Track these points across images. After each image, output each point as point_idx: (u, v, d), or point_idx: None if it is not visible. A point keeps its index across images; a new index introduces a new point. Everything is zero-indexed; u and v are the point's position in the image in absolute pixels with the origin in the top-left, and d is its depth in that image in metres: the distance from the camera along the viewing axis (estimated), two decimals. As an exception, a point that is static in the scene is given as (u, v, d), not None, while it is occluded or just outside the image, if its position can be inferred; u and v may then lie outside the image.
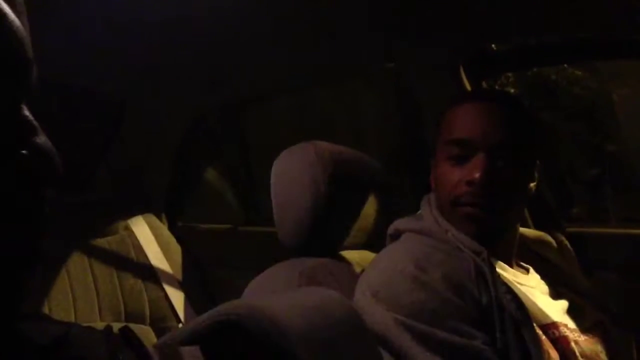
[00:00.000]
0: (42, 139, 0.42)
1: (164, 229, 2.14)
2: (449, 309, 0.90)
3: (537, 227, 1.44)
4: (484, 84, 1.48)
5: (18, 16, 0.41)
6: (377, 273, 0.96)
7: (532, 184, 1.06)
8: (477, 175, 0.97)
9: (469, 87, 1.41)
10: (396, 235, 1.09)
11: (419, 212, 1.10)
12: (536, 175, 1.07)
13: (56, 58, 1.66)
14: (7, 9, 0.39)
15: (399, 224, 1.10)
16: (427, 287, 0.91)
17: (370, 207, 1.15)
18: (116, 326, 1.70)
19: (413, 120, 1.56)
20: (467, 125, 1.00)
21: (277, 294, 0.83)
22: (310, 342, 0.64)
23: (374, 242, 1.16)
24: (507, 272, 1.03)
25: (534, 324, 0.96)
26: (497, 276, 0.96)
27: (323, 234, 1.06)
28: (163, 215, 2.20)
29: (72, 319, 1.74)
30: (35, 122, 0.42)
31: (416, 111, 1.52)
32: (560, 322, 1.01)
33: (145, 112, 2.02)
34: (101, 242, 1.93)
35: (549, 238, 1.28)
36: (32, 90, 0.42)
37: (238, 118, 2.09)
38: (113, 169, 2.10)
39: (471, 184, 0.98)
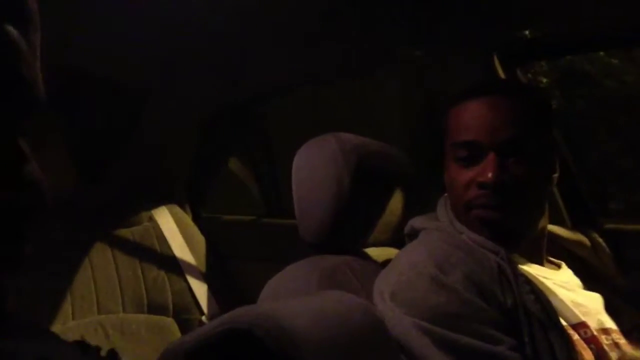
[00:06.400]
0: (32, 167, 0.40)
1: (187, 219, 2.12)
2: (471, 311, 0.84)
3: (573, 224, 1.38)
4: (519, 73, 1.42)
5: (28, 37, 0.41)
6: (396, 275, 0.91)
7: (554, 175, 1.00)
8: (489, 176, 0.92)
9: (503, 76, 1.35)
10: (413, 234, 1.04)
11: (435, 213, 1.06)
12: (557, 164, 1.01)
13: (80, 47, 1.65)
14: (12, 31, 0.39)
15: (414, 222, 1.06)
16: (448, 289, 0.86)
17: (396, 202, 1.10)
18: (138, 318, 1.67)
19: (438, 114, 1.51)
20: (473, 126, 0.95)
21: (292, 298, 0.79)
22: (327, 353, 0.59)
23: (400, 238, 1.11)
24: (532, 269, 0.97)
25: (565, 323, 0.91)
26: (519, 275, 0.91)
27: (346, 231, 1.02)
28: (187, 206, 2.19)
29: (95, 311, 1.74)
30: (26, 149, 0.41)
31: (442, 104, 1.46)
32: (589, 323, 0.95)
33: (167, 101, 2.00)
34: (125, 232, 1.92)
35: (583, 237, 1.22)
36: (29, 115, 0.42)
37: (260, 108, 2.04)
38: (136, 159, 2.08)
39: (483, 186, 0.93)
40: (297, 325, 0.59)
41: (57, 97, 1.86)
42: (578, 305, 0.96)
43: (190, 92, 1.94)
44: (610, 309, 1.01)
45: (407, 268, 0.90)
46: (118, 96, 1.97)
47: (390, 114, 1.74)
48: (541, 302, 0.89)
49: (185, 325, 1.91)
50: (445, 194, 1.05)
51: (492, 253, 0.92)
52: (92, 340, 1.63)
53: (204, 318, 1.94)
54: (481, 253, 0.92)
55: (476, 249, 0.93)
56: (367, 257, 1.07)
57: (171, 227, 2.03)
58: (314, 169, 1.03)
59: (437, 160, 1.07)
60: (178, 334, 1.88)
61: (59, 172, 1.92)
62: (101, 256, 1.83)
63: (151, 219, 2.00)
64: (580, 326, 0.93)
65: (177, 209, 2.10)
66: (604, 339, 0.94)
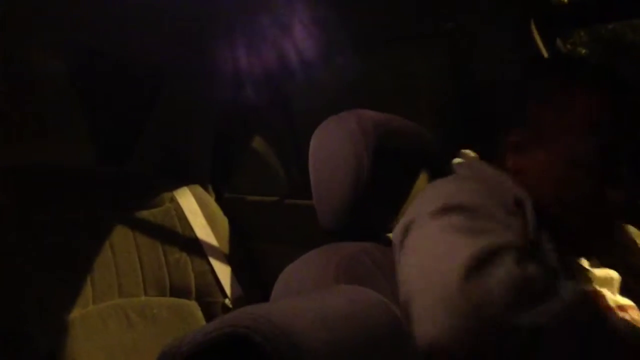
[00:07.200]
0: None
1: (210, 200, 2.08)
2: (488, 211, 0.76)
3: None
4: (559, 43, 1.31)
5: None
6: (412, 206, 0.85)
7: None
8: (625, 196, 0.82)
9: (541, 46, 1.24)
10: None
11: None
12: None
13: (97, 27, 1.60)
14: None
15: None
16: (465, 186, 0.80)
17: (422, 185, 1.02)
18: (159, 302, 1.62)
19: (472, 86, 1.41)
20: (617, 127, 0.83)
21: (301, 294, 0.72)
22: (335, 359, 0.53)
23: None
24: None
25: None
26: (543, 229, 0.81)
27: (366, 216, 0.94)
28: (210, 186, 2.14)
29: (116, 294, 1.71)
30: None
31: (476, 75, 1.36)
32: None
33: (189, 78, 1.95)
34: (146, 214, 1.88)
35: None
36: None
37: (284, 84, 1.96)
38: (157, 138, 2.04)
39: (618, 209, 0.83)
40: (301, 329, 0.52)
41: (78, 78, 1.81)
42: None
43: (212, 68, 1.87)
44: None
45: (425, 192, 0.85)
46: (138, 75, 1.93)
47: (420, 87, 1.64)
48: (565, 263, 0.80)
49: (208, 309, 1.88)
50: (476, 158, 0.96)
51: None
52: (113, 325, 1.59)
53: (227, 301, 1.90)
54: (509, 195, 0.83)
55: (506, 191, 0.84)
56: (390, 244, 0.99)
57: (193, 208, 1.99)
58: (332, 150, 0.95)
59: (467, 138, 0.98)
60: (201, 318, 1.85)
61: (75, 149, 1.90)
62: (122, 239, 1.79)
63: (172, 200, 1.96)
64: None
65: (199, 189, 2.05)
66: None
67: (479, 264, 0.64)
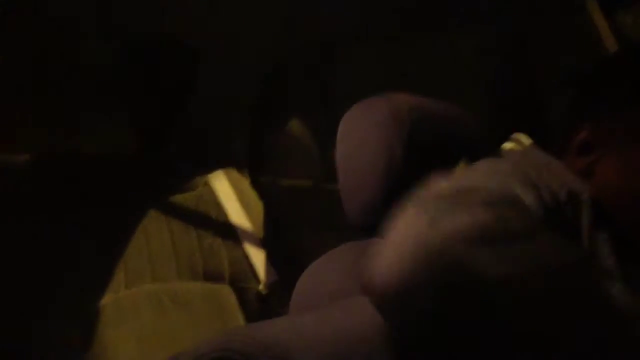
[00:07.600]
0: None
1: (245, 184, 2.03)
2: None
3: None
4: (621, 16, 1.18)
5: None
6: None
7: None
8: None
9: (602, 19, 1.12)
10: None
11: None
12: None
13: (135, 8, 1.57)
14: None
15: None
16: (499, 175, 0.70)
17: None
18: (193, 286, 1.59)
19: (525, 68, 1.30)
20: None
21: (312, 313, 0.64)
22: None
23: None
24: None
25: None
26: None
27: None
28: (245, 169, 2.10)
29: (149, 279, 1.69)
30: None
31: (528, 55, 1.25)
32: None
33: (222, 60, 1.89)
34: (179, 198, 1.87)
35: None
36: None
37: (320, 65, 1.89)
38: (191, 121, 2.01)
39: None
40: (303, 357, 0.45)
41: (116, 63, 1.78)
42: None
43: (248, 48, 1.82)
44: None
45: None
46: (171, 58, 1.89)
47: (464, 74, 1.54)
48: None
49: (242, 294, 1.84)
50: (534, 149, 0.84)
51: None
52: (146, 310, 1.58)
53: (261, 287, 1.86)
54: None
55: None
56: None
57: (227, 192, 1.96)
58: (361, 137, 0.87)
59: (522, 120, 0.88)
60: (235, 303, 1.81)
61: (121, 137, 1.88)
62: (155, 223, 1.78)
63: (206, 184, 1.93)
64: None
65: (234, 173, 2.02)
66: None
67: (445, 212, 0.57)
